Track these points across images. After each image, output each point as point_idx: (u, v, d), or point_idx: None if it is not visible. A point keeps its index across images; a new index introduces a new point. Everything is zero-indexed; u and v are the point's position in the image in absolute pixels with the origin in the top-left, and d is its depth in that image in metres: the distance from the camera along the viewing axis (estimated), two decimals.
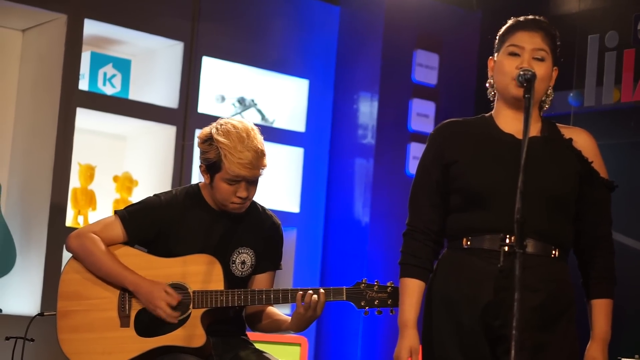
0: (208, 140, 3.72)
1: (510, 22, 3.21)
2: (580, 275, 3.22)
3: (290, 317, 3.76)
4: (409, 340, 3.15)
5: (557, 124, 3.25)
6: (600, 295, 3.16)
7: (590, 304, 3.18)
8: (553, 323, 3.08)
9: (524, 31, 3.14)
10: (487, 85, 3.25)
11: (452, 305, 3.12)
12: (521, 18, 3.20)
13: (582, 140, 3.20)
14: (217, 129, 3.72)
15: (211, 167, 3.72)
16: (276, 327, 3.85)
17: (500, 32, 3.21)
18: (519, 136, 3.11)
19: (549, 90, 3.19)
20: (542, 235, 3.08)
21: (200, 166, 3.79)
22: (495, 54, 3.20)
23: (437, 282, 3.18)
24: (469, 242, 3.12)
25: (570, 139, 3.18)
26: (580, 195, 3.14)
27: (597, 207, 3.17)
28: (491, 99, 3.27)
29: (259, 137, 3.72)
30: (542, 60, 3.13)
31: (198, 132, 3.84)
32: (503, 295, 3.03)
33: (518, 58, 3.12)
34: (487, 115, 3.25)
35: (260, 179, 3.77)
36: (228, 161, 3.65)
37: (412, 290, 3.18)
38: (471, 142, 3.18)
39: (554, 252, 3.11)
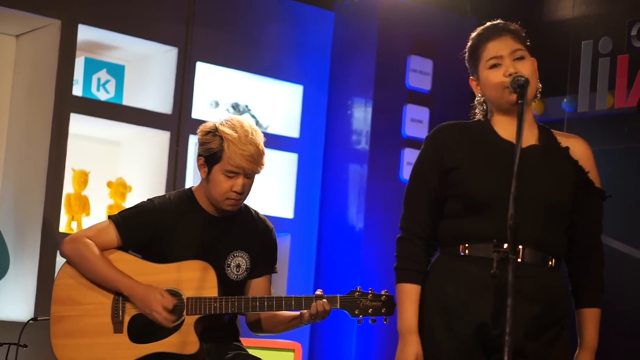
0: (211, 132, 3.76)
1: (473, 37, 3.22)
2: (570, 283, 3.22)
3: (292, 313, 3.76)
4: (413, 347, 3.11)
5: (553, 131, 3.24)
6: (591, 304, 3.17)
7: (579, 313, 3.18)
8: (548, 333, 3.08)
9: (493, 41, 3.16)
10: (476, 103, 3.26)
11: (448, 312, 3.09)
12: (481, 30, 3.21)
13: (579, 149, 3.20)
14: (222, 122, 3.77)
15: (211, 159, 3.74)
16: (282, 322, 3.85)
17: (469, 51, 3.23)
18: None
19: (538, 84, 3.21)
20: (539, 245, 3.07)
21: (198, 159, 3.80)
22: (475, 74, 3.22)
23: (431, 288, 3.15)
24: (466, 250, 3.10)
25: (567, 148, 3.18)
26: (575, 204, 3.14)
27: (590, 216, 3.18)
28: (480, 116, 3.27)
29: (261, 137, 3.78)
30: (522, 58, 3.15)
31: (193, 137, 3.86)
32: (502, 304, 2.99)
33: (501, 67, 3.13)
34: (483, 119, 3.25)
35: (254, 183, 3.78)
36: (231, 151, 3.69)
37: (412, 295, 3.15)
38: (471, 148, 3.17)
39: (550, 262, 3.10)
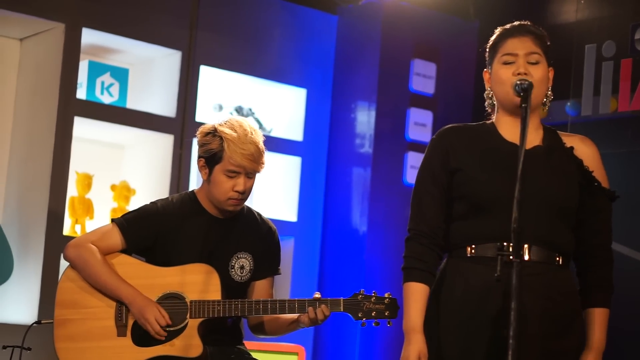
0: (211, 133, 3.78)
1: (497, 31, 3.22)
2: (579, 283, 3.21)
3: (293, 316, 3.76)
4: (418, 345, 3.09)
5: (559, 132, 3.25)
6: (598, 304, 3.16)
7: (587, 313, 3.17)
8: (560, 331, 3.08)
9: (513, 38, 3.15)
10: (485, 96, 3.26)
11: (460, 315, 3.10)
12: (507, 26, 3.21)
13: (583, 148, 3.20)
14: (221, 123, 3.79)
15: (211, 159, 3.75)
16: (282, 325, 3.85)
17: (490, 44, 3.22)
18: None
19: (548, 92, 3.20)
20: (547, 244, 3.08)
21: (198, 161, 3.81)
22: (489, 67, 3.21)
23: (443, 292, 3.15)
24: (473, 251, 3.11)
25: (572, 148, 3.19)
26: (580, 204, 3.15)
27: (596, 216, 3.18)
28: (489, 110, 3.27)
29: (260, 136, 3.79)
30: (536, 63, 3.14)
31: (196, 140, 3.87)
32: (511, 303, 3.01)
33: (513, 65, 3.13)
34: (488, 122, 3.26)
35: (257, 185, 3.79)
36: (231, 150, 3.70)
37: (419, 294, 3.13)
38: (475, 150, 3.17)
39: (557, 260, 3.11)
